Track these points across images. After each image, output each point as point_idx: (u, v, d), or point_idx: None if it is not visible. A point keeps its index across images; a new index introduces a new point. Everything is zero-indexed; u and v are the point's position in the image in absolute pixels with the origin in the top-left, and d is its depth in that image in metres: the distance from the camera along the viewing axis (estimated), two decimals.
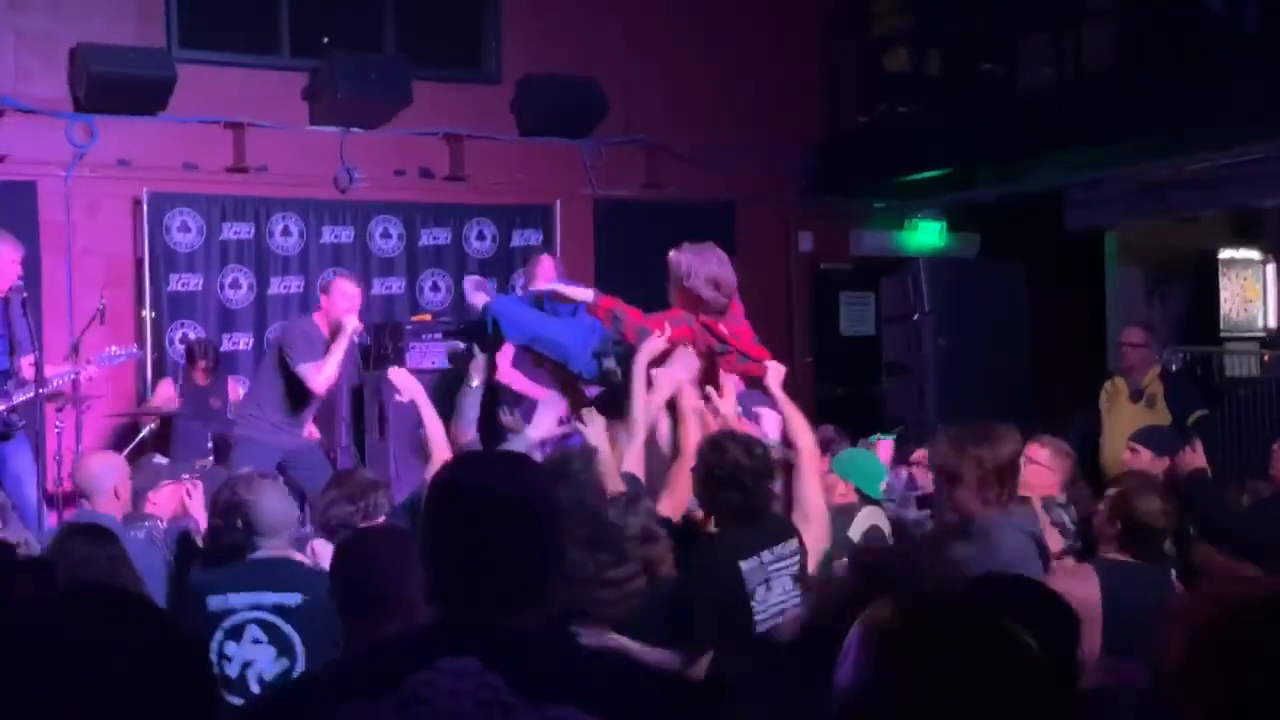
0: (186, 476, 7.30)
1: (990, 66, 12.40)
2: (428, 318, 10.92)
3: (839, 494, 6.59)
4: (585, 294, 6.66)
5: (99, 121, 10.69)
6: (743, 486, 5.01)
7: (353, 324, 8.83)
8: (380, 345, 10.77)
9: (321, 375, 8.71)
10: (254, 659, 4.69)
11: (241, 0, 11.74)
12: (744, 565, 4.92)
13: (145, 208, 10.73)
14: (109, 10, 10.87)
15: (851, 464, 6.89)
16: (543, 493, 2.67)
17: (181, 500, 7.00)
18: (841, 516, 6.28)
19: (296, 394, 8.83)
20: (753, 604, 4.89)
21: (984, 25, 12.47)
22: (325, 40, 11.79)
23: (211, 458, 9.36)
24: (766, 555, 4.94)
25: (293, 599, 4.74)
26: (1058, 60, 11.51)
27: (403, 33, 12.03)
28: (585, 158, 12.31)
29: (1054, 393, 11.45)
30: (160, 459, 8.77)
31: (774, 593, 4.95)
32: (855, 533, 6.30)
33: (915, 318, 10.92)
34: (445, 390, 10.26)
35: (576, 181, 12.27)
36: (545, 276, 9.18)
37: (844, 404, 11.85)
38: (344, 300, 8.88)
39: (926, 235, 13.49)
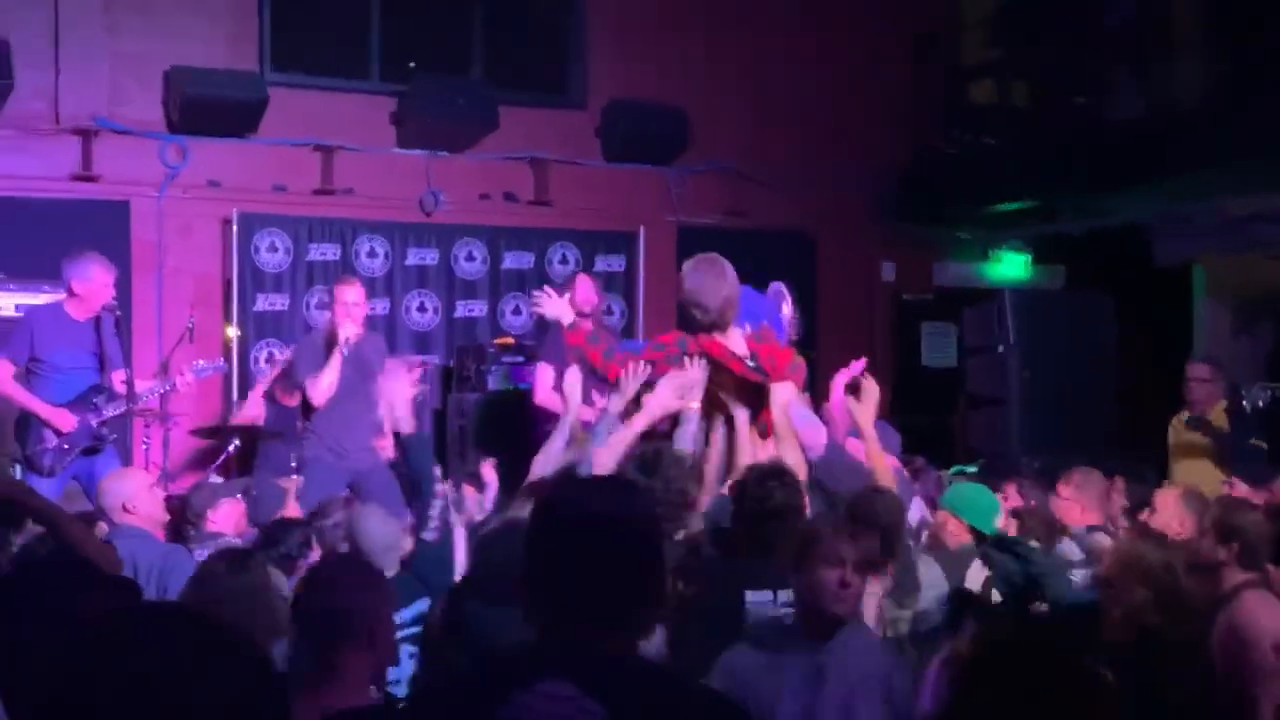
0: (239, 495, 7.44)
1: (1077, 98, 12.31)
2: (510, 341, 10.99)
3: (950, 533, 6.38)
4: (563, 315, 6.55)
5: (191, 143, 10.86)
6: (741, 507, 5.03)
7: (347, 331, 8.37)
8: (462, 367, 10.86)
9: (318, 389, 8.43)
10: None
11: (333, 25, 11.88)
12: (750, 595, 4.86)
13: (235, 228, 10.87)
14: (203, 34, 11.03)
15: (962, 499, 6.61)
16: (645, 518, 2.68)
17: (242, 517, 7.13)
18: (953, 561, 6.06)
19: (336, 409, 8.58)
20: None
21: (1071, 57, 12.38)
22: (413, 65, 11.91)
23: (294, 476, 9.43)
24: (784, 594, 4.78)
25: (424, 605, 5.07)
26: (1145, 92, 11.41)
27: (489, 58, 12.14)
28: (669, 184, 12.34)
29: (1140, 427, 11.32)
30: (216, 479, 8.91)
31: None
32: (973, 581, 6.01)
33: (1000, 349, 10.82)
34: (490, 413, 10.34)
35: (660, 208, 12.30)
36: (585, 298, 9.17)
37: (924, 435, 11.74)
38: (341, 307, 8.52)
39: (1011, 267, 13.40)
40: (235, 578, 4.52)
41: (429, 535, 5.28)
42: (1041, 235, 13.03)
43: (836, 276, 12.86)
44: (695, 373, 5.94)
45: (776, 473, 5.23)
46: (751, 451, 5.89)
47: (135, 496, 6.03)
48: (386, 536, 5.37)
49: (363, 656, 3.51)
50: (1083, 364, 10.94)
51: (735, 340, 6.13)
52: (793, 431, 5.86)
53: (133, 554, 5.31)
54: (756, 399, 6.06)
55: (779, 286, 7.38)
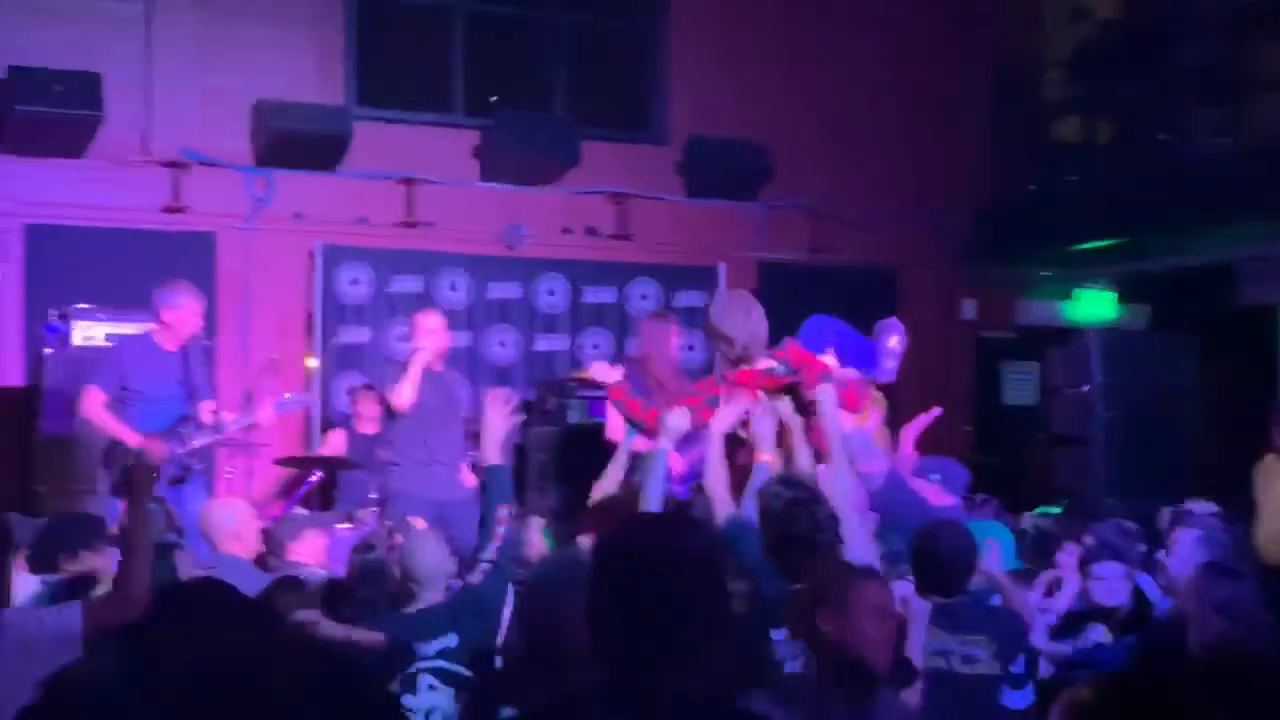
0: (324, 527, 7.47)
1: (1160, 135, 12.21)
2: (589, 375, 10.97)
3: None
4: (609, 376, 6.71)
5: (277, 175, 10.97)
6: (770, 536, 4.99)
7: (424, 351, 8.58)
8: (543, 401, 10.85)
9: (398, 395, 8.49)
10: (435, 705, 4.78)
11: (417, 60, 12.01)
12: (776, 635, 4.79)
13: (318, 260, 10.96)
14: (290, 68, 11.16)
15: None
16: (710, 555, 2.66)
17: (323, 549, 7.17)
18: None
19: (411, 431, 8.65)
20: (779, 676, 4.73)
21: (1154, 93, 12.28)
22: (495, 100, 11.99)
23: (376, 508, 9.46)
24: None
25: (451, 640, 4.92)
26: (1230, 129, 11.30)
27: (572, 93, 12.21)
28: (750, 220, 12.34)
29: (1227, 468, 11.16)
30: (300, 510, 8.96)
31: None
32: None
33: (1085, 389, 10.71)
34: (569, 447, 10.33)
35: (741, 243, 12.29)
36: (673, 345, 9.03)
37: (1003, 475, 11.65)
38: (421, 333, 8.71)
39: (1095, 305, 13.27)
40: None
41: (474, 578, 5.23)
42: (1125, 274, 12.91)
43: (917, 314, 12.64)
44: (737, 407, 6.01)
45: (813, 497, 5.15)
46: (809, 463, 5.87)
47: (244, 526, 6.10)
48: (435, 565, 5.33)
49: None
50: (1167, 404, 10.81)
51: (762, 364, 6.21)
52: (840, 440, 5.80)
53: (236, 584, 5.33)
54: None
55: (893, 321, 7.39)
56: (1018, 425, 12.71)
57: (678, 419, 5.88)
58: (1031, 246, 12.66)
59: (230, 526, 6.10)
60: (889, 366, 7.28)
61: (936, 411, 7.59)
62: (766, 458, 5.84)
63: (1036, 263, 13.05)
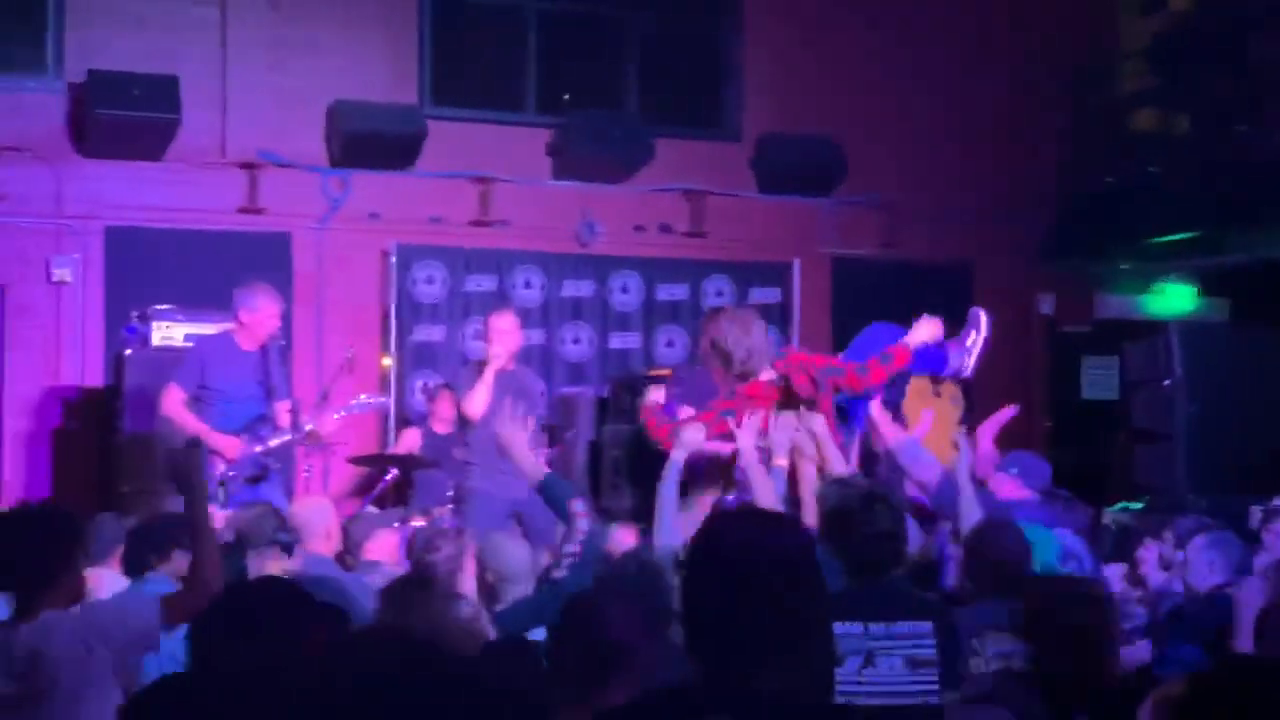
0: (397, 524, 7.50)
1: (1239, 126, 12.04)
2: (664, 372, 10.97)
3: None
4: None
5: (352, 176, 11.04)
6: (846, 534, 4.91)
7: (498, 358, 8.63)
8: (617, 399, 10.86)
9: (471, 403, 8.58)
10: None
11: (490, 59, 12.05)
12: (836, 629, 4.72)
13: (393, 259, 11.01)
14: (364, 69, 11.23)
15: None
16: (805, 552, 2.62)
17: (397, 547, 7.20)
18: None
19: (486, 432, 8.37)
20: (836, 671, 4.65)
21: (1234, 85, 12.12)
22: (568, 98, 12.00)
23: (451, 506, 9.48)
24: (876, 628, 4.66)
25: (539, 635, 4.90)
26: None
27: (644, 91, 12.21)
28: (824, 216, 12.28)
29: None
30: (372, 509, 9.01)
31: (878, 670, 4.65)
32: None
33: (1166, 383, 10.56)
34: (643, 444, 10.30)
35: (814, 240, 12.24)
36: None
37: (1083, 470, 11.51)
38: (494, 334, 8.76)
39: (1175, 299, 13.08)
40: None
41: (559, 573, 5.24)
42: (1205, 267, 12.74)
43: (993, 309, 12.49)
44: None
45: (882, 495, 5.12)
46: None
47: (332, 525, 6.16)
48: (522, 561, 5.46)
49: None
50: (1250, 399, 10.64)
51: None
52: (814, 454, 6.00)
53: (320, 582, 5.36)
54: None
55: (975, 312, 7.40)
56: (1097, 420, 12.54)
57: (693, 433, 6.00)
58: (1109, 240, 12.52)
59: (322, 525, 6.15)
60: (967, 363, 7.24)
61: (1013, 410, 7.54)
62: (781, 463, 5.98)
63: (1115, 256, 12.89)
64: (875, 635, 4.66)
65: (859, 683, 4.62)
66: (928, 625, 4.75)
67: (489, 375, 8.54)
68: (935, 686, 4.68)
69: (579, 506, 5.31)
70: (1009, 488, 6.87)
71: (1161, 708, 2.14)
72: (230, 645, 2.83)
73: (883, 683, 4.64)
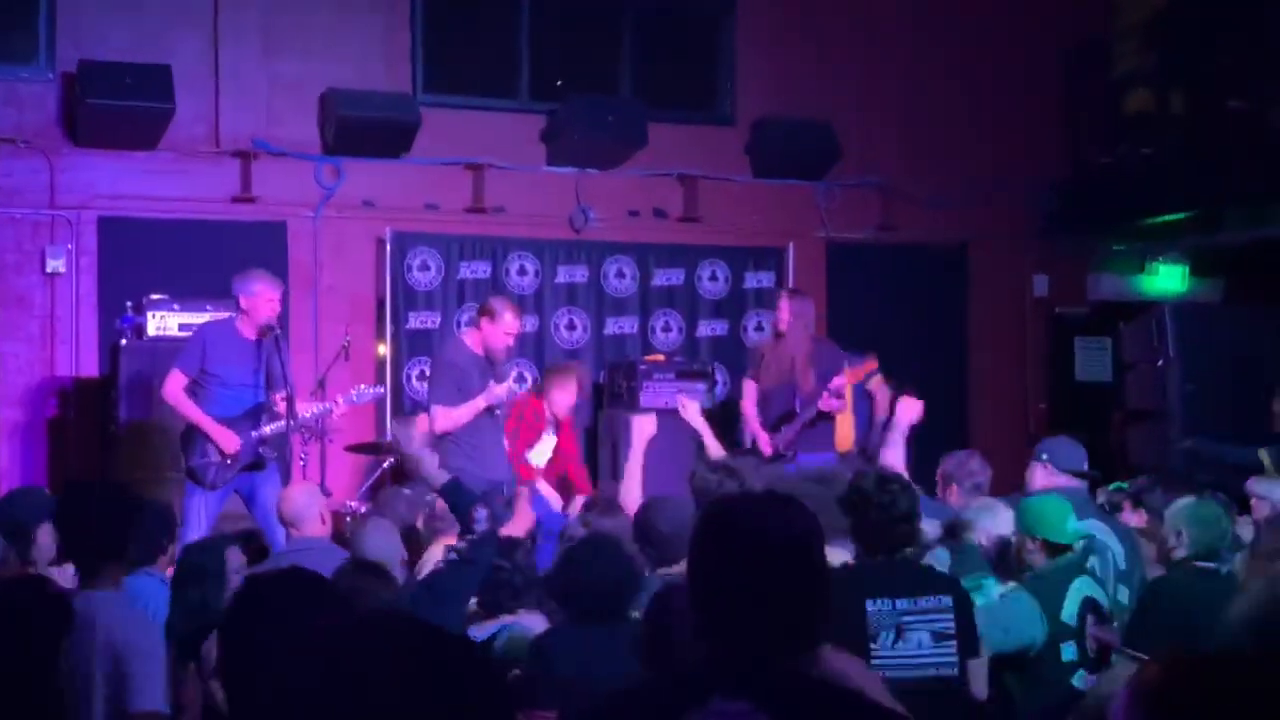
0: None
1: (1237, 105, 12.01)
2: (660, 358, 11.00)
3: (1028, 552, 5.81)
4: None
5: (346, 163, 11.03)
6: (865, 515, 5.01)
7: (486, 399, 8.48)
8: (614, 384, 10.89)
9: (449, 418, 8.43)
10: None
11: (483, 46, 12.02)
12: (870, 605, 4.83)
13: (388, 247, 11.02)
14: (357, 56, 11.22)
15: (1030, 515, 5.90)
16: (812, 533, 2.64)
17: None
18: (1045, 588, 5.61)
19: (481, 418, 8.55)
20: (872, 646, 4.77)
21: (1230, 63, 12.08)
22: (561, 84, 11.99)
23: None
24: (903, 603, 4.82)
25: None
26: None
27: (638, 76, 12.19)
28: (818, 200, 12.28)
29: None
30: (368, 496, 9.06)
31: (908, 644, 4.81)
32: (1070, 612, 5.60)
33: (1159, 364, 10.59)
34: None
35: (809, 223, 12.24)
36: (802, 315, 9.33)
37: None
38: (501, 327, 8.62)
39: (1168, 279, 13.09)
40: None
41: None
42: (1198, 247, 12.74)
43: (988, 291, 12.70)
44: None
45: (895, 476, 5.29)
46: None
47: (324, 508, 6.21)
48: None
49: None
50: (1243, 378, 10.67)
51: None
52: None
53: (320, 566, 5.39)
54: None
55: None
56: (1092, 401, 12.58)
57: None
58: (1105, 220, 12.52)
59: (315, 509, 6.18)
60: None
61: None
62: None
63: (1110, 237, 12.89)
64: (903, 610, 4.84)
65: (892, 656, 4.80)
66: (949, 599, 4.93)
67: (480, 405, 8.43)
68: (955, 658, 4.88)
69: (480, 514, 5.35)
70: (1037, 476, 6.83)
71: (1139, 698, 2.12)
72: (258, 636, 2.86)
73: (912, 655, 4.82)
